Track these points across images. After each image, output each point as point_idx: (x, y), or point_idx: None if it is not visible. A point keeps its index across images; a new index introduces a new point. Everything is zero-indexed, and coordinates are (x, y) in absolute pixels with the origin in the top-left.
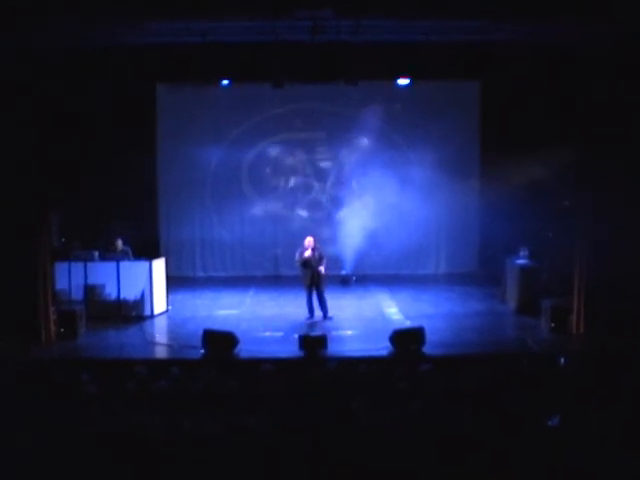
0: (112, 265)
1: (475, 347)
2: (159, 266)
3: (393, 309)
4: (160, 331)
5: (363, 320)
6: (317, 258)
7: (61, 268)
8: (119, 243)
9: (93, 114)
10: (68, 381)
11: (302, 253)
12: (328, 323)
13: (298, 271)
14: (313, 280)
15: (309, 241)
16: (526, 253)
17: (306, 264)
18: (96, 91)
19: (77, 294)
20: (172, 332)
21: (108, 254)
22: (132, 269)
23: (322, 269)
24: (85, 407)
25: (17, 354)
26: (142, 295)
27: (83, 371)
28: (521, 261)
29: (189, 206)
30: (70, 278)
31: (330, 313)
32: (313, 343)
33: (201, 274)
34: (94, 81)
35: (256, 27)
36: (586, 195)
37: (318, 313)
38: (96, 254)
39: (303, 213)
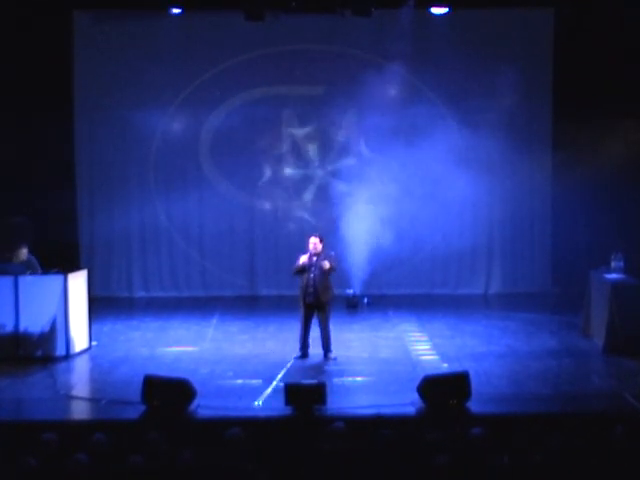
0: (7, 282)
1: (546, 404)
2: (78, 283)
3: (423, 346)
4: (80, 379)
5: (379, 362)
6: (321, 267)
7: None
8: (24, 250)
9: None
10: None
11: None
12: (329, 366)
13: (283, 289)
14: (312, 299)
15: (312, 242)
16: (620, 264)
17: (302, 274)
18: None
19: None
20: (97, 380)
21: (1, 265)
22: (38, 288)
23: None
24: None
25: None
26: (52, 326)
27: None
28: (613, 275)
29: (123, 194)
30: None
31: (333, 352)
32: (306, 395)
33: (141, 294)
34: None
35: None
36: None
37: (315, 351)
38: None
39: (292, 204)
